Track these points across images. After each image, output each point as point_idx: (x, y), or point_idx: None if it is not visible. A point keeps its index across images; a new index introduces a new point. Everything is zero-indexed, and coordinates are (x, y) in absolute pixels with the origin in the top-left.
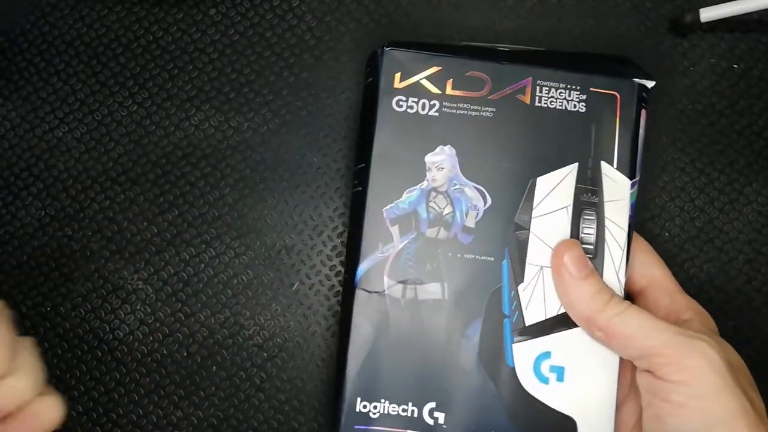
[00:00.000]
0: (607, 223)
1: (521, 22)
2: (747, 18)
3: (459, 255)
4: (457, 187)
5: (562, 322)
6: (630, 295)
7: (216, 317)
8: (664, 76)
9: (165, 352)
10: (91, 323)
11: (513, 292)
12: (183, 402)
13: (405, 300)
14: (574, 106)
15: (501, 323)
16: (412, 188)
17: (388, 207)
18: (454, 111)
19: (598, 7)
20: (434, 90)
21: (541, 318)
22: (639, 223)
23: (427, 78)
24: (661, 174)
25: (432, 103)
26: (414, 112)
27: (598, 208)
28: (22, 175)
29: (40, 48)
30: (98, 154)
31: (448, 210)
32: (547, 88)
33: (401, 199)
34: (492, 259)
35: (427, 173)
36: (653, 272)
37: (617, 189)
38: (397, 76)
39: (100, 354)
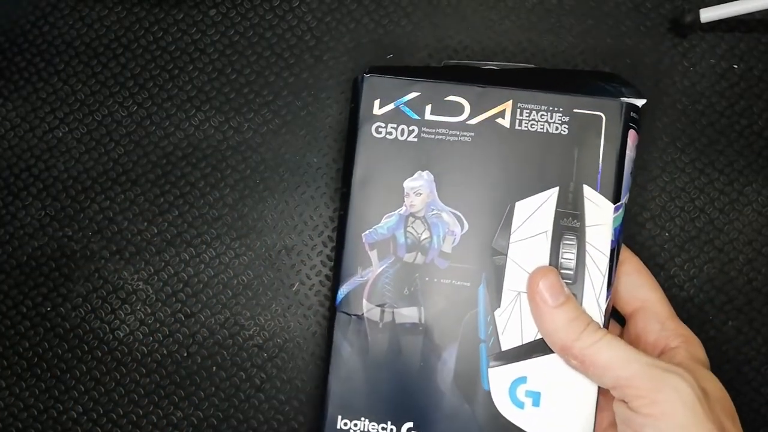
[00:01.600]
0: (588, 248)
1: (521, 23)
2: (747, 18)
3: (436, 280)
4: (434, 212)
5: (539, 348)
6: (621, 318)
7: (216, 318)
8: (664, 76)
9: (165, 352)
10: (91, 323)
11: (489, 317)
12: (183, 402)
13: (383, 323)
14: (556, 129)
15: (477, 348)
16: (390, 213)
17: (367, 232)
18: (433, 136)
19: (598, 7)
20: (413, 115)
21: (518, 343)
22: (639, 224)
23: (406, 104)
24: (661, 174)
25: (411, 128)
26: (393, 138)
27: (578, 233)
28: (22, 175)
29: (40, 48)
30: (98, 154)
31: (425, 235)
32: (528, 111)
33: (380, 224)
34: (468, 284)
35: (405, 198)
36: (646, 295)
37: (600, 213)
38: (377, 102)
39: (100, 354)
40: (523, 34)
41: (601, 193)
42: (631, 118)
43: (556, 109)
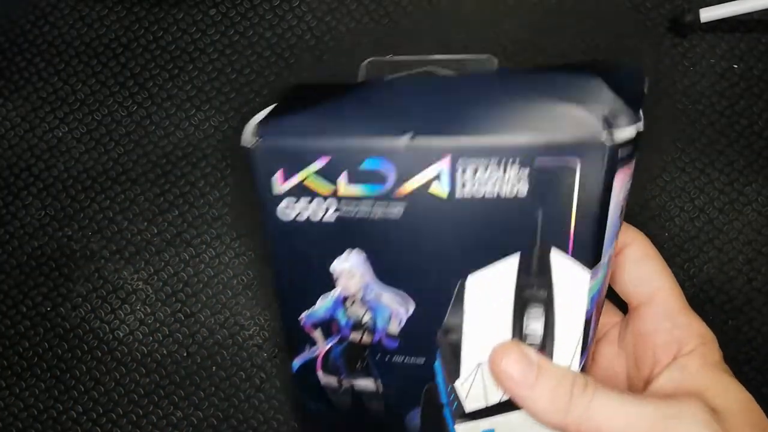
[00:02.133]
0: (558, 318)
1: (521, 23)
2: (747, 18)
3: (387, 358)
4: (373, 293)
5: (504, 407)
6: (627, 309)
7: (216, 317)
8: (664, 76)
9: (165, 352)
10: (91, 323)
11: (450, 386)
12: (183, 402)
13: (342, 389)
14: (512, 190)
15: (440, 411)
16: (325, 295)
17: (304, 315)
18: (353, 215)
19: (598, 7)
20: (325, 189)
21: (482, 406)
22: (640, 223)
23: (317, 173)
24: (661, 174)
25: (326, 206)
26: (305, 220)
27: (546, 303)
28: (22, 175)
29: (40, 48)
30: (98, 154)
31: (367, 317)
32: (473, 169)
33: (316, 308)
34: (423, 360)
35: (337, 282)
36: (654, 286)
37: (572, 281)
38: (278, 175)
39: (100, 354)
40: (523, 34)
41: (574, 256)
42: (621, 159)
43: (511, 160)
